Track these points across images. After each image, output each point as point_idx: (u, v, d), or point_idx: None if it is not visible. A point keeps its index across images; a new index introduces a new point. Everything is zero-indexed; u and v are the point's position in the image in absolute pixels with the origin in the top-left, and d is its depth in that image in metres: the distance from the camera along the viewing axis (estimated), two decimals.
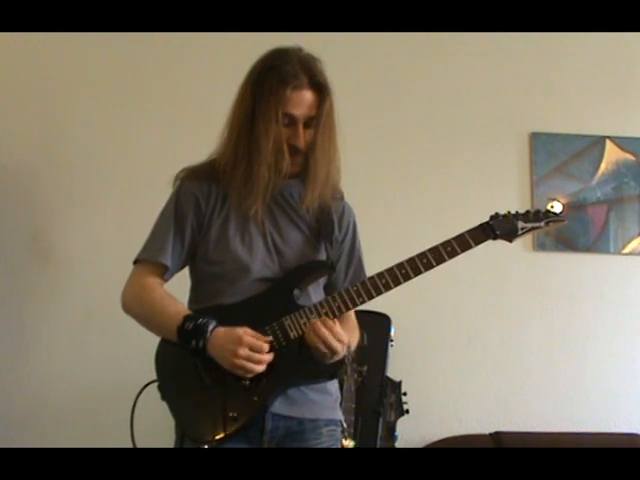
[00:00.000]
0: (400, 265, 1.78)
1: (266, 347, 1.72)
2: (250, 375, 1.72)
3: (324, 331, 1.71)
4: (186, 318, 1.75)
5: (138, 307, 1.84)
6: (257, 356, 1.70)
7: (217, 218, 1.85)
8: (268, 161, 1.79)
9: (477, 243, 1.81)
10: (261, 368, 1.71)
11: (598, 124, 3.44)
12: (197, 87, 3.23)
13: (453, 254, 1.78)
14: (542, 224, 1.85)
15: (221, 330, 1.73)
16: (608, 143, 3.43)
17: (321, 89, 1.81)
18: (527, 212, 1.86)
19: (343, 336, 1.74)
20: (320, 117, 1.81)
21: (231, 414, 1.71)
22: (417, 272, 1.78)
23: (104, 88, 3.21)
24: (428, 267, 1.78)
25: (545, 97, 3.44)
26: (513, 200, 3.34)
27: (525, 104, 3.43)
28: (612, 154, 3.43)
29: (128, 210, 3.13)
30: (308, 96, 1.80)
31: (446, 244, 1.79)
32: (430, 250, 1.79)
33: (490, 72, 3.43)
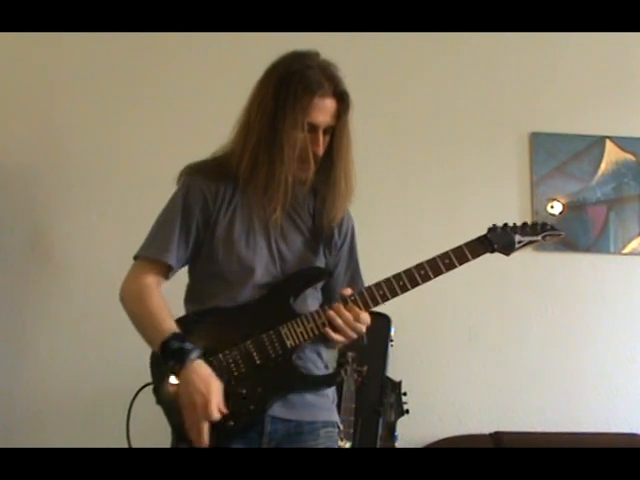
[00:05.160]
0: (397, 276, 1.78)
1: (206, 440, 1.65)
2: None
3: (348, 316, 1.75)
4: (174, 336, 1.71)
5: (133, 307, 1.81)
6: (202, 428, 1.65)
7: (223, 218, 1.82)
8: (292, 168, 1.78)
9: (475, 256, 1.80)
10: (202, 438, 1.66)
11: (598, 124, 3.43)
12: (196, 87, 3.22)
13: (451, 267, 1.79)
14: (539, 238, 1.84)
15: (198, 368, 1.68)
16: (608, 143, 3.43)
17: (343, 98, 1.82)
18: (524, 225, 1.85)
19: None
20: (342, 126, 1.82)
21: (226, 423, 1.69)
22: (414, 284, 1.78)
23: (104, 88, 3.21)
24: (426, 279, 1.78)
25: (545, 97, 3.44)
26: (513, 200, 3.34)
27: (525, 104, 3.42)
28: (612, 154, 3.43)
29: (128, 210, 3.12)
30: (331, 105, 1.80)
31: (444, 256, 1.79)
32: (428, 262, 1.79)
33: (490, 72, 3.43)
